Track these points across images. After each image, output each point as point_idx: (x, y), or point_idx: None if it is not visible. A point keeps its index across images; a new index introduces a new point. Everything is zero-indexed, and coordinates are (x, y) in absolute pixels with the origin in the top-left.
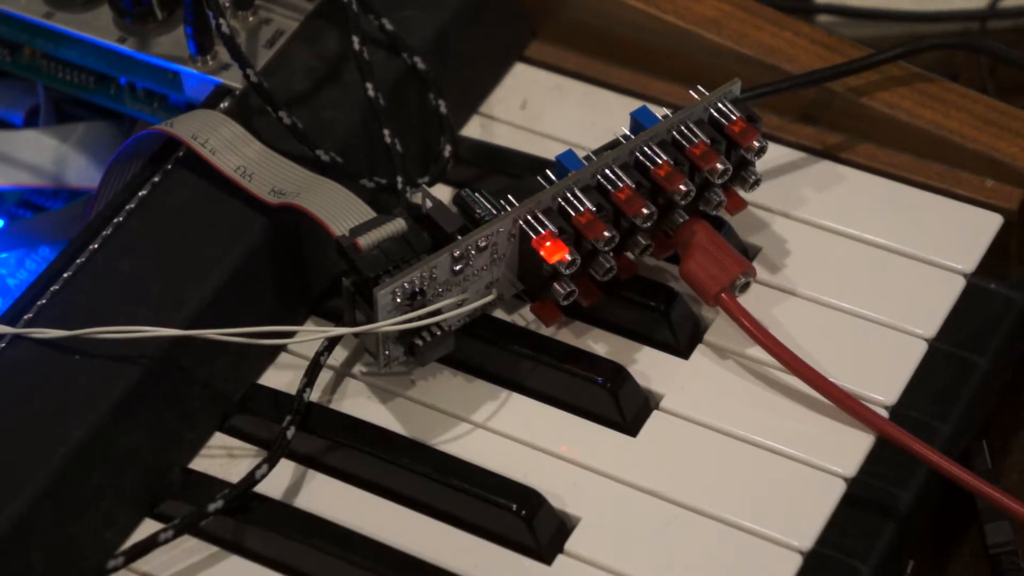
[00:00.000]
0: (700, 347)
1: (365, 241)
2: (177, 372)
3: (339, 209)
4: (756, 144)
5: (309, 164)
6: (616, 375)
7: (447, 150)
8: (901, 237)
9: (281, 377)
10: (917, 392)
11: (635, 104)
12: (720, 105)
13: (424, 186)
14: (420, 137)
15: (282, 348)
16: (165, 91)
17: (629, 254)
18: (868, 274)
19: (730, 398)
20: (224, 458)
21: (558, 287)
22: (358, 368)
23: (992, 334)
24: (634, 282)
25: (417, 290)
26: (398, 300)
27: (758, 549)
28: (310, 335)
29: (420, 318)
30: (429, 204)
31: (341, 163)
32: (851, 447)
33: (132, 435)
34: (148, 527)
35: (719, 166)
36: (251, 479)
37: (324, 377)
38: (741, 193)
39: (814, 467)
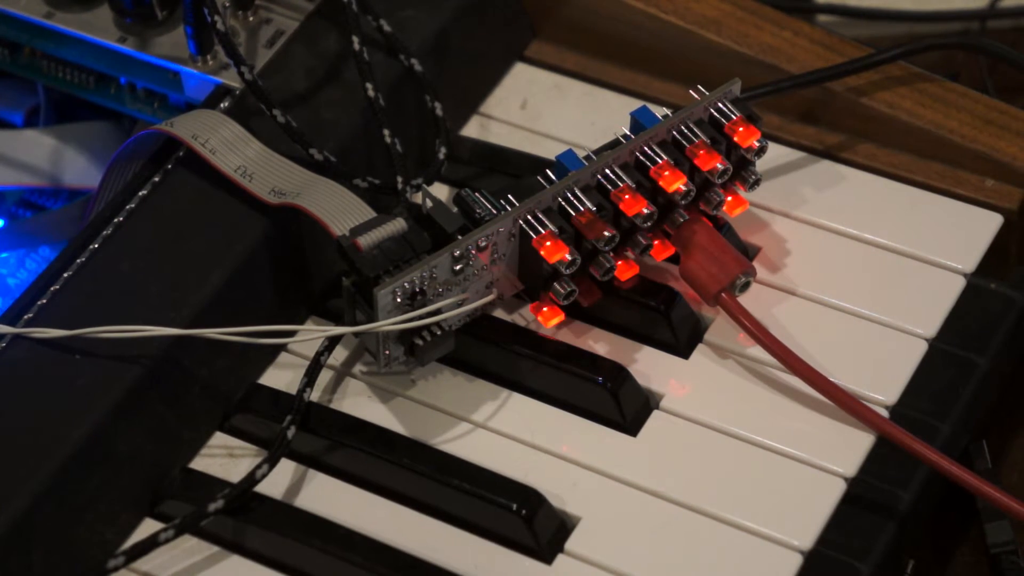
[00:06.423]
0: (700, 347)
1: (365, 241)
2: (177, 372)
3: (339, 209)
4: (756, 144)
5: (308, 164)
6: (616, 375)
7: (442, 152)
8: (901, 237)
9: (281, 377)
10: (917, 392)
11: (635, 104)
12: (720, 105)
13: (424, 186)
14: (418, 138)
15: (282, 348)
16: (165, 91)
17: (629, 253)
18: (868, 274)
19: (730, 398)
20: (224, 458)
21: (558, 287)
22: (358, 368)
23: (992, 334)
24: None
25: (417, 290)
26: (398, 300)
27: (758, 549)
28: (310, 335)
29: (420, 318)
30: (429, 204)
31: (335, 162)
32: (851, 447)
33: (132, 435)
34: (148, 527)
35: (719, 166)
36: (251, 479)
37: (324, 377)
38: (741, 193)
39: (814, 467)
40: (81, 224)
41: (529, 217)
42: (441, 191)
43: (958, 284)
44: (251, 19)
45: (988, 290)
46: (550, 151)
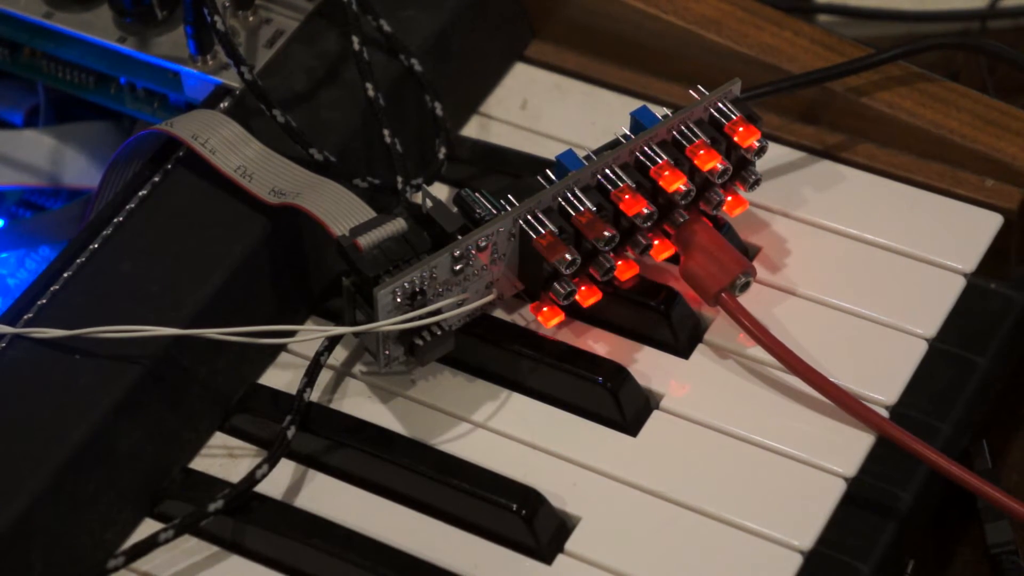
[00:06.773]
0: (700, 347)
1: (365, 241)
2: (177, 372)
3: (339, 209)
4: (756, 144)
5: (308, 164)
6: (616, 375)
7: (442, 152)
8: (901, 237)
9: (281, 377)
10: (917, 392)
11: (635, 104)
12: (720, 105)
13: (424, 186)
14: (418, 138)
15: (282, 348)
16: (165, 91)
17: (629, 253)
18: (868, 274)
19: (730, 398)
20: (224, 458)
21: (558, 287)
22: (358, 368)
23: (992, 334)
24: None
25: (417, 290)
26: (398, 300)
27: (758, 549)
28: (310, 335)
29: (420, 318)
30: (429, 204)
31: (334, 162)
32: (851, 447)
33: (132, 435)
34: (148, 527)
35: (719, 166)
36: (251, 479)
37: (324, 377)
38: (741, 193)
39: (814, 467)
40: (81, 224)
41: (529, 217)
42: (441, 191)
43: (958, 284)
44: (251, 19)
45: (988, 290)
46: (550, 151)
